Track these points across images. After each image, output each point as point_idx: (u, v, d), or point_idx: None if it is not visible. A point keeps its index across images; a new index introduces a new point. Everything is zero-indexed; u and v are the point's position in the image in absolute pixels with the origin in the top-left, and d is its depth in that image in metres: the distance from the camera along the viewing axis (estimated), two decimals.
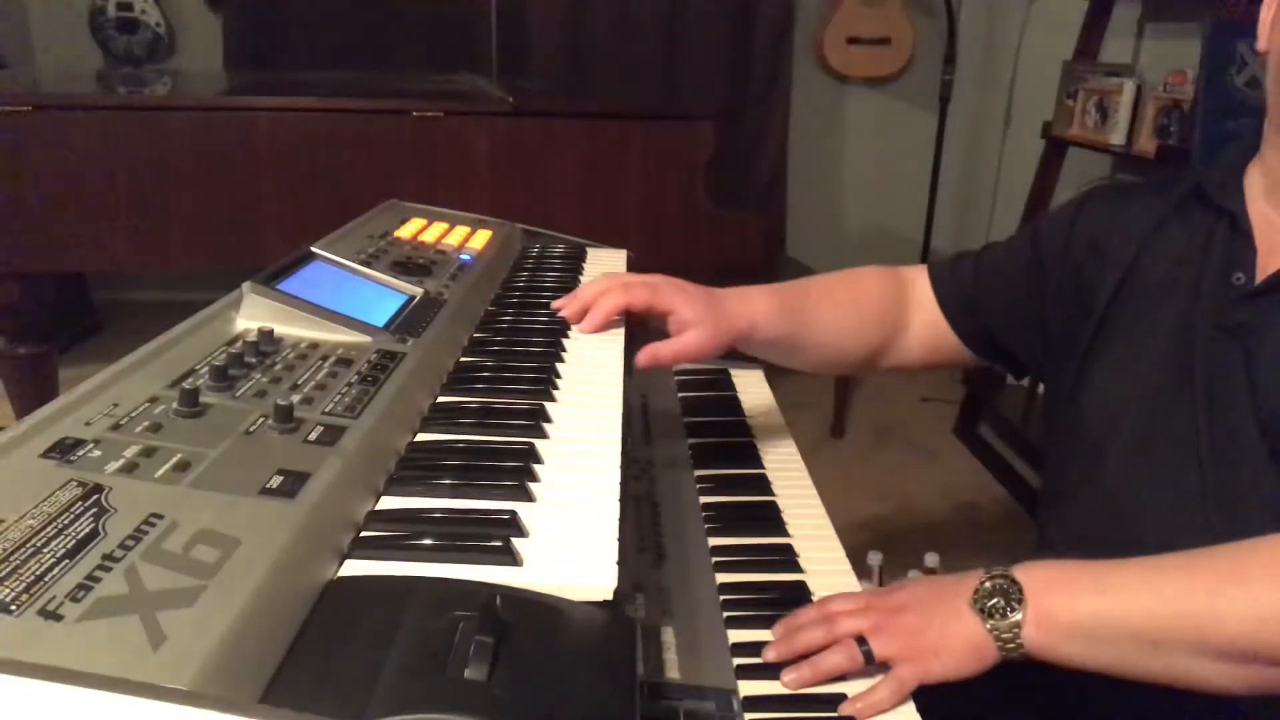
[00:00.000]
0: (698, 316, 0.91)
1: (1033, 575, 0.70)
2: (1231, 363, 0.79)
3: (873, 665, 0.70)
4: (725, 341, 0.93)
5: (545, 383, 0.78)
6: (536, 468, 0.65)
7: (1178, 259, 0.86)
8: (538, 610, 0.50)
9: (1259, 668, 0.65)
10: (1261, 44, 0.82)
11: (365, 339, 0.76)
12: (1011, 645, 0.68)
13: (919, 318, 1.04)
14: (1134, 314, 0.87)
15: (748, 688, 0.70)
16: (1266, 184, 0.83)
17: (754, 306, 0.95)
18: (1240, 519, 0.76)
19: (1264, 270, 0.80)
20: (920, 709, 0.69)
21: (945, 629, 0.70)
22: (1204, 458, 0.79)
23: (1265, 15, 0.81)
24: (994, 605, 0.69)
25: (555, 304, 0.95)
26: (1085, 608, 0.68)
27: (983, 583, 0.70)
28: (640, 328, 0.96)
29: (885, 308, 1.03)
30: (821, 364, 1.05)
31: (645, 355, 0.90)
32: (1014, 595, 0.69)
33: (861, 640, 0.71)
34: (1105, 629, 0.67)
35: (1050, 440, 0.99)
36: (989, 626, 0.69)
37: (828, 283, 1.05)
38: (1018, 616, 0.68)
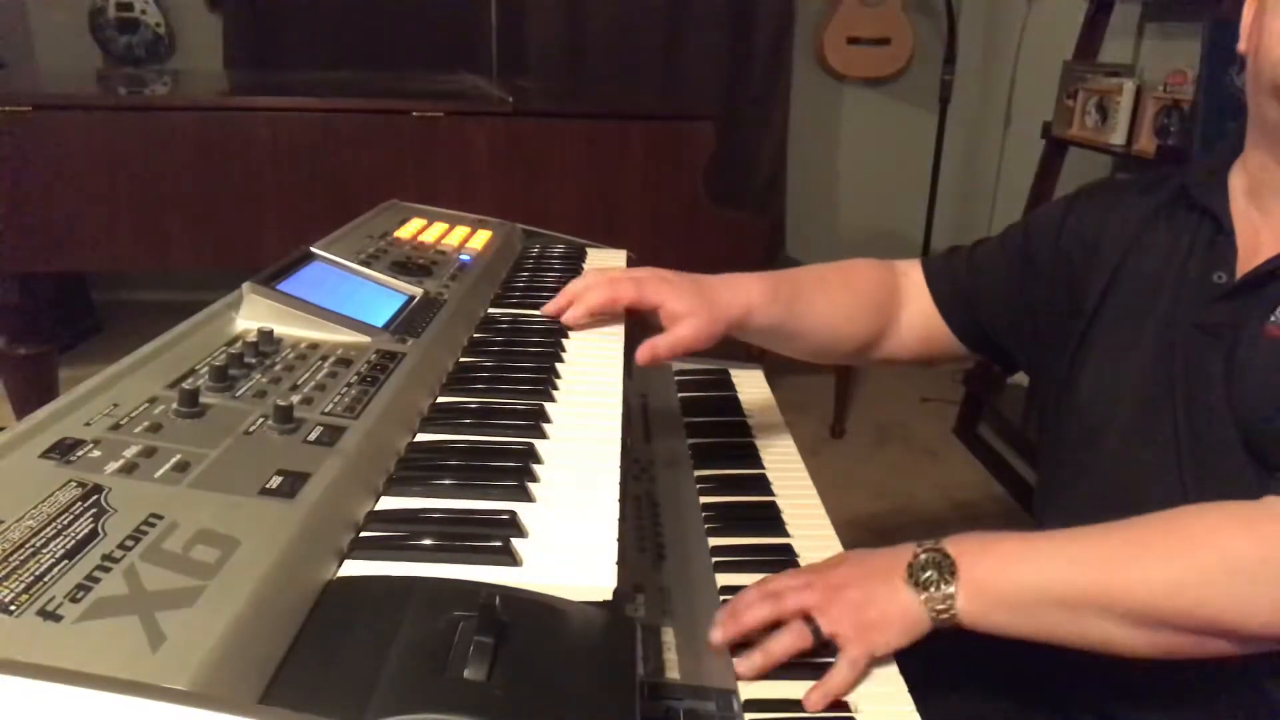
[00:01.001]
0: (689, 307, 0.90)
1: (962, 548, 0.73)
2: (1209, 361, 0.80)
3: (819, 642, 0.71)
4: (720, 329, 0.92)
5: (545, 383, 0.78)
6: (536, 468, 0.65)
7: (1164, 258, 0.86)
8: (538, 610, 0.50)
9: (1168, 633, 0.68)
10: (1242, 45, 0.82)
11: (365, 339, 0.76)
12: (945, 615, 0.71)
13: (912, 310, 1.04)
14: (1122, 312, 0.88)
15: (748, 688, 0.70)
16: (1248, 184, 0.84)
17: (749, 293, 0.95)
18: None
19: (1244, 269, 0.81)
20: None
21: (885, 603, 0.72)
22: (1184, 454, 0.80)
23: (1246, 17, 0.82)
24: (928, 578, 0.71)
25: (545, 308, 0.95)
26: (1010, 578, 0.71)
27: (917, 555, 0.73)
28: (641, 329, 0.96)
29: (879, 297, 1.04)
30: (814, 352, 1.05)
31: (644, 351, 0.90)
32: (946, 568, 0.72)
33: (807, 618, 0.72)
34: (1029, 597, 0.70)
35: (1043, 436, 1.00)
36: (923, 598, 0.71)
37: (821, 271, 1.05)
38: (950, 589, 0.71)
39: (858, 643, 0.71)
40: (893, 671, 0.72)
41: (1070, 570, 0.70)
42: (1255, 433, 0.76)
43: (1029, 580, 0.71)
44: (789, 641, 0.71)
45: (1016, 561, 0.72)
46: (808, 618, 0.72)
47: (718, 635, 0.73)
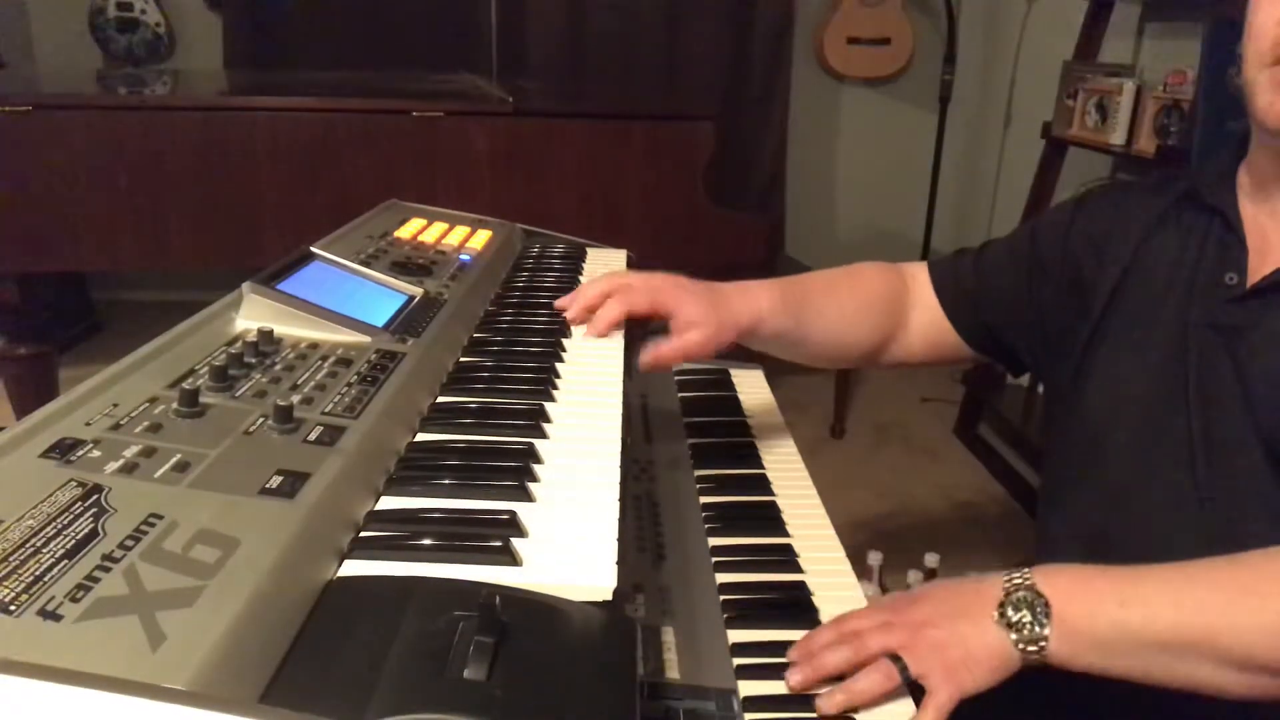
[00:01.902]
0: (701, 315, 0.91)
1: (1055, 585, 0.69)
2: (1223, 362, 0.79)
3: (907, 682, 0.68)
4: (729, 338, 0.93)
5: (545, 383, 0.78)
6: (536, 468, 0.65)
7: (1173, 259, 0.86)
8: (538, 610, 0.50)
9: (1268, 678, 0.65)
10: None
11: (365, 339, 0.76)
12: (1035, 656, 0.68)
13: (919, 313, 1.04)
14: (1132, 313, 0.88)
15: (748, 688, 0.69)
16: (1252, 184, 0.84)
17: (759, 301, 0.95)
18: (1236, 517, 0.77)
19: (1255, 270, 0.81)
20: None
21: (973, 643, 0.69)
22: (1198, 456, 0.79)
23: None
24: (1020, 619, 0.68)
25: (559, 303, 0.95)
26: (1106, 619, 0.68)
27: (1008, 594, 0.69)
28: (640, 327, 0.96)
29: (886, 302, 1.04)
30: (822, 358, 1.05)
31: (649, 356, 0.90)
32: (1040, 609, 0.68)
33: (893, 657, 0.69)
34: (1126, 640, 0.67)
35: (1050, 437, 0.99)
36: (1014, 639, 0.68)
37: (829, 277, 1.05)
38: (1044, 630, 0.68)
39: (946, 685, 0.67)
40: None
41: (1171, 613, 0.67)
42: (1275, 433, 0.75)
43: (1127, 623, 0.67)
44: (877, 681, 0.68)
45: (1114, 603, 0.68)
46: (894, 656, 0.69)
47: (795, 680, 0.69)
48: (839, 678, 0.69)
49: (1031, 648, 0.68)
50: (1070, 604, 0.68)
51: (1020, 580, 0.70)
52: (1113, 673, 0.68)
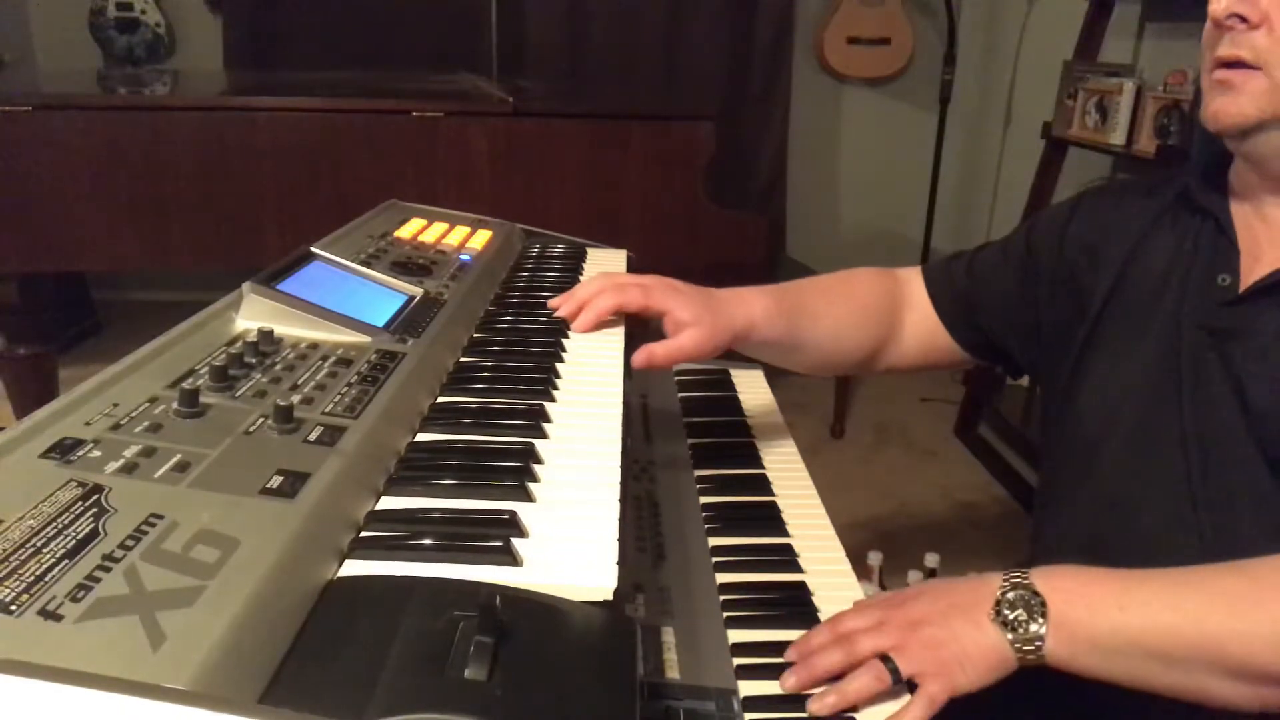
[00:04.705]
0: (693, 317, 0.90)
1: (1053, 586, 0.69)
2: (1215, 365, 0.79)
3: (898, 682, 0.68)
4: (723, 341, 0.92)
5: (545, 383, 0.78)
6: (536, 468, 0.65)
7: (1168, 260, 0.86)
8: (538, 610, 0.50)
9: (1271, 688, 0.65)
10: None
11: (365, 339, 0.76)
12: (1032, 656, 0.68)
13: (914, 319, 1.04)
14: (1127, 315, 0.88)
15: (748, 688, 0.70)
16: (1239, 187, 0.84)
17: (752, 307, 0.95)
18: (1231, 520, 0.77)
19: (1247, 271, 0.81)
20: None
21: (968, 641, 0.69)
22: (1192, 459, 0.79)
23: None
24: (1016, 618, 0.68)
25: (551, 303, 0.95)
26: (1105, 623, 0.67)
27: (1004, 593, 0.69)
28: (641, 328, 0.96)
29: (881, 308, 1.04)
30: (818, 365, 1.05)
31: (641, 355, 0.89)
32: (1036, 608, 0.68)
33: (885, 657, 0.69)
34: (1124, 644, 0.67)
35: (1046, 439, 0.99)
36: (1010, 638, 0.68)
37: (824, 283, 1.05)
38: (1040, 629, 0.68)
39: (936, 681, 0.67)
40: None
41: (1170, 618, 0.66)
42: (1271, 437, 0.75)
43: (1126, 626, 0.67)
44: (867, 682, 0.67)
45: (1114, 607, 0.68)
46: (885, 656, 0.69)
47: (790, 683, 0.69)
48: (836, 676, 0.69)
49: (1028, 648, 0.68)
50: (1069, 605, 0.68)
51: (1018, 579, 0.70)
52: (1112, 677, 0.68)
